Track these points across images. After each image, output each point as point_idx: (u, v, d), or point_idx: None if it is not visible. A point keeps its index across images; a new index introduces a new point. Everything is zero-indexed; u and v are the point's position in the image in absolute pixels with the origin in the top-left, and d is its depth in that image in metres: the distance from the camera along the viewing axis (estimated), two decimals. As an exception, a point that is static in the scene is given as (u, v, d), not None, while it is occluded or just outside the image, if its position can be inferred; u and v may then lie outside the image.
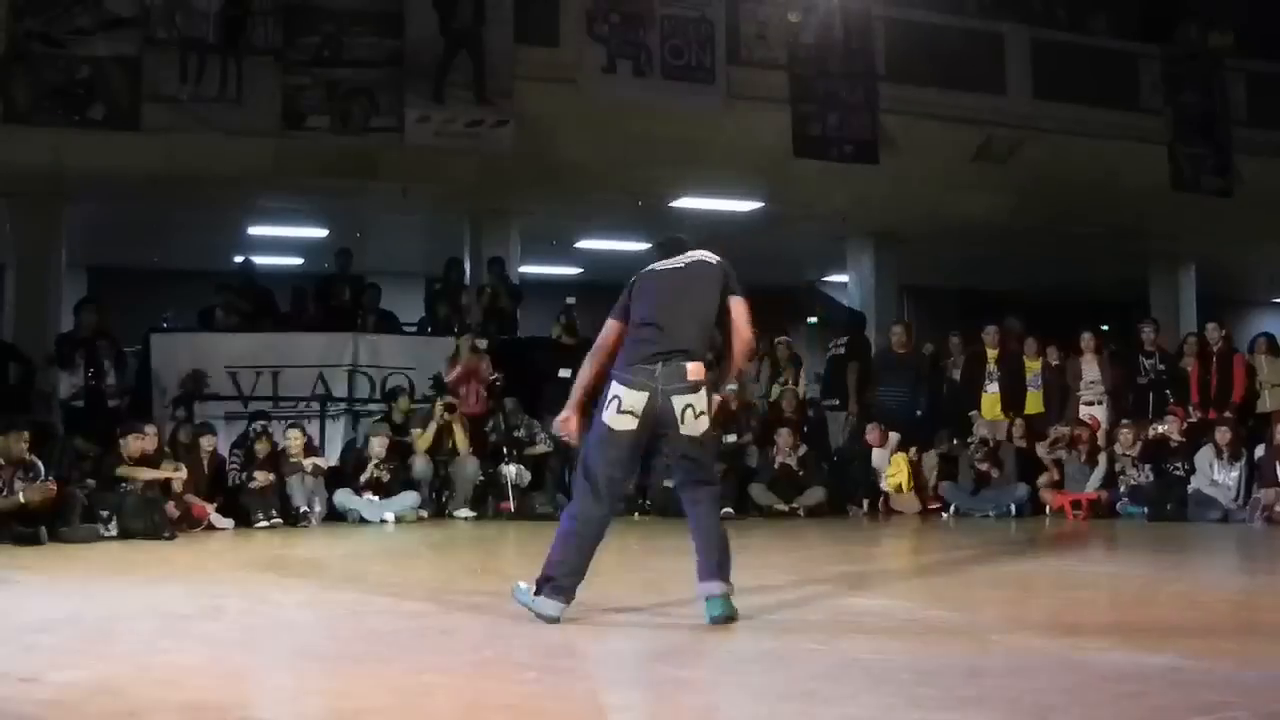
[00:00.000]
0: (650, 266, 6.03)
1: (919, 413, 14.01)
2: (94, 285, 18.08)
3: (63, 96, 11.89)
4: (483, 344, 13.33)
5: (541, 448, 12.81)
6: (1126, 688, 4.34)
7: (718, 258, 6.02)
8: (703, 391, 5.71)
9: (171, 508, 10.51)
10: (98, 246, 17.79)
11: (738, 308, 5.94)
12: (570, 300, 13.69)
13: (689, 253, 6.02)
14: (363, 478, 11.95)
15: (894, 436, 13.35)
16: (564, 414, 6.01)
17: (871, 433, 13.40)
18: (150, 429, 11.07)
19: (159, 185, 14.35)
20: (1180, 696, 4.22)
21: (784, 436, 13.01)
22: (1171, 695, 4.24)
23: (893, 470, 13.19)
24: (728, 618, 5.61)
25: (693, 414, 5.66)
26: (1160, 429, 12.78)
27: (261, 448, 11.63)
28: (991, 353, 13.84)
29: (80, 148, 12.75)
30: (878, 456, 13.29)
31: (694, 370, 5.67)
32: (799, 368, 14.95)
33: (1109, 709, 4.12)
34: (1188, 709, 4.07)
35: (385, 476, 11.99)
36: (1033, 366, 13.80)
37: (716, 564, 5.69)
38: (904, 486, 13.11)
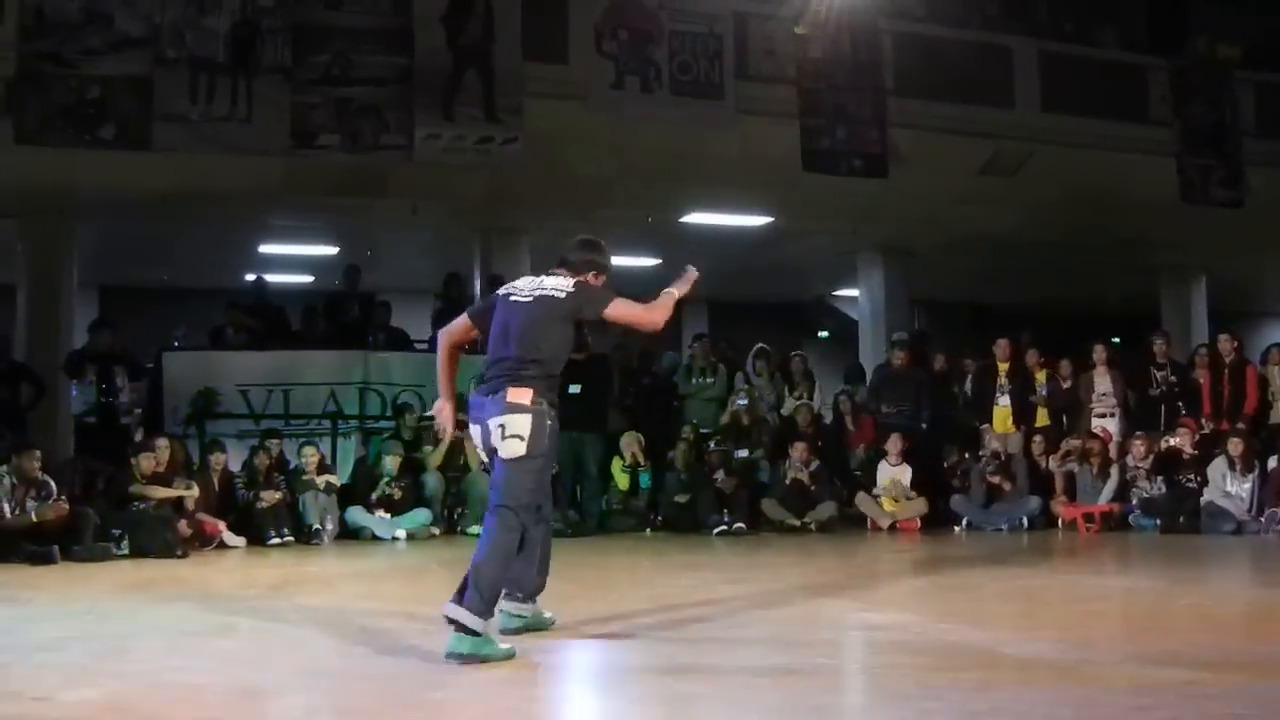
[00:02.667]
0: (508, 290, 5.83)
1: (923, 426, 13.95)
2: (105, 304, 18.16)
3: (73, 116, 11.91)
4: None
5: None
6: (1139, 701, 4.33)
7: (571, 285, 5.77)
8: (524, 417, 5.44)
9: (184, 526, 10.52)
10: (109, 266, 17.87)
11: (617, 312, 5.70)
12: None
13: (544, 280, 5.81)
14: (374, 495, 11.96)
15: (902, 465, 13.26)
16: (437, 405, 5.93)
17: (892, 444, 13.29)
18: (162, 445, 11.10)
19: (169, 204, 14.41)
20: (1192, 710, 4.22)
21: (798, 451, 12.98)
22: (1183, 709, 4.23)
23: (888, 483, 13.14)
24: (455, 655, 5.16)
25: (502, 435, 5.46)
26: (1172, 441, 12.74)
27: (261, 460, 11.65)
28: (1003, 366, 13.80)
29: (91, 168, 12.81)
30: (884, 470, 13.22)
31: (514, 394, 5.47)
32: (813, 382, 14.95)
33: (1121, 722, 4.11)
34: (1200, 722, 4.07)
35: (397, 494, 11.99)
36: (1039, 379, 13.79)
37: (461, 589, 5.29)
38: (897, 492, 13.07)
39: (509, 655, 5.20)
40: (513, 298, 5.75)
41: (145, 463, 10.67)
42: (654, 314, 5.74)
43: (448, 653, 5.13)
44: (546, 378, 5.59)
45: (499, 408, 5.47)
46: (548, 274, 5.89)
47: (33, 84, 11.80)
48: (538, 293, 5.72)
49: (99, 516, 10.09)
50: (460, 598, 5.21)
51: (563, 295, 5.70)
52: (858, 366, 16.39)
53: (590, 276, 5.93)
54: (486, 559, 5.31)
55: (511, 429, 5.43)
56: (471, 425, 5.66)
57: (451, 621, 5.17)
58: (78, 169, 12.88)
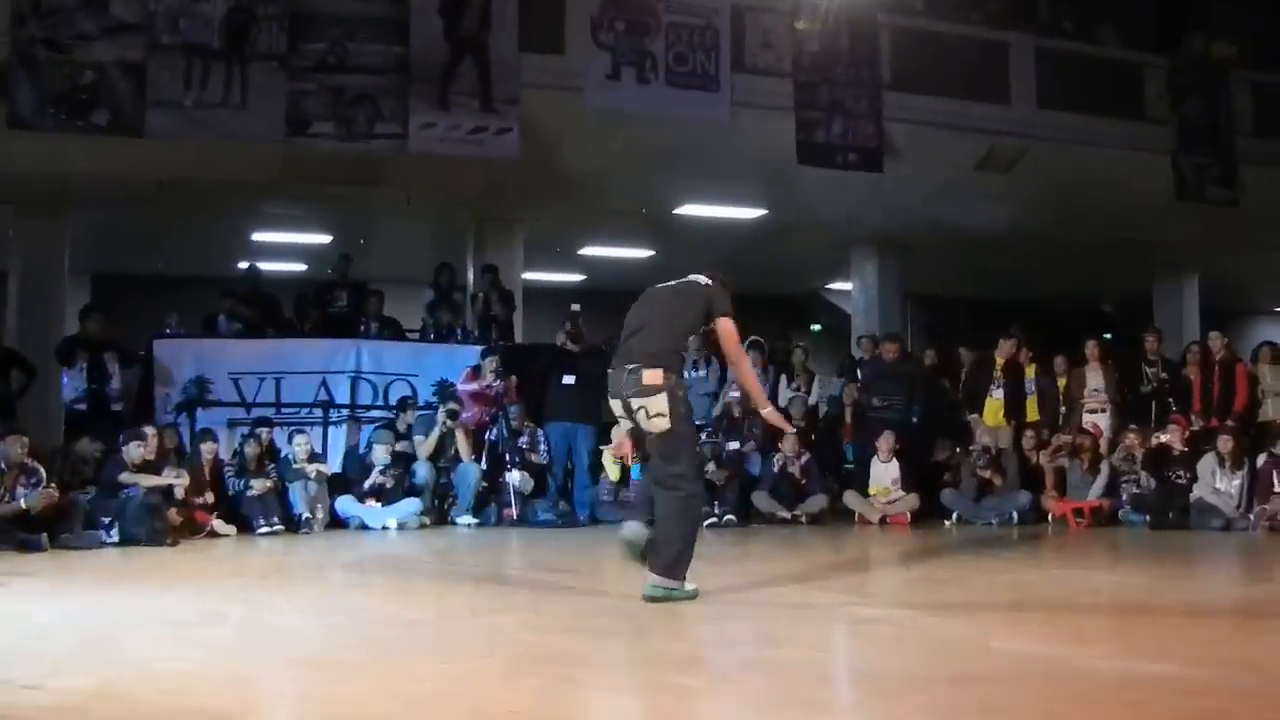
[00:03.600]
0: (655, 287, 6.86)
1: (914, 420, 13.94)
2: (97, 292, 18.10)
3: (66, 102, 11.87)
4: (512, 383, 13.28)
5: (538, 458, 12.82)
6: (1127, 695, 4.34)
7: (709, 280, 6.75)
8: (660, 396, 6.33)
9: (173, 514, 10.51)
10: (101, 253, 17.82)
11: (727, 325, 6.64)
12: (575, 308, 13.68)
13: (689, 276, 6.82)
14: (367, 484, 11.95)
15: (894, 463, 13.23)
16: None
17: (883, 441, 13.27)
18: (150, 431, 11.07)
19: (163, 191, 14.38)
20: (1181, 704, 4.22)
21: (789, 443, 12.98)
22: (1172, 703, 4.24)
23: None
24: (651, 599, 6.33)
25: (646, 415, 6.38)
26: (1162, 437, 12.77)
27: (252, 449, 11.64)
28: (999, 360, 13.81)
29: (84, 154, 12.76)
30: (876, 469, 13.21)
31: (649, 376, 6.36)
32: (813, 376, 14.96)
33: (1110, 717, 4.12)
34: (1189, 717, 4.07)
35: (389, 483, 11.98)
36: (1029, 373, 13.81)
37: (660, 565, 6.37)
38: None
39: (693, 595, 6.42)
40: (658, 286, 6.80)
41: (135, 451, 10.64)
42: (743, 358, 6.95)
43: (644, 595, 6.35)
44: (675, 353, 6.56)
45: (635, 388, 6.36)
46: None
47: (26, 68, 11.76)
48: (683, 281, 6.75)
49: (88, 504, 10.07)
50: (659, 565, 6.37)
51: (704, 283, 6.72)
52: (851, 360, 16.41)
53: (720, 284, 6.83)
54: (662, 524, 6.40)
55: (654, 409, 6.33)
56: (611, 399, 6.61)
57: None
58: (71, 155, 12.83)
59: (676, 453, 6.42)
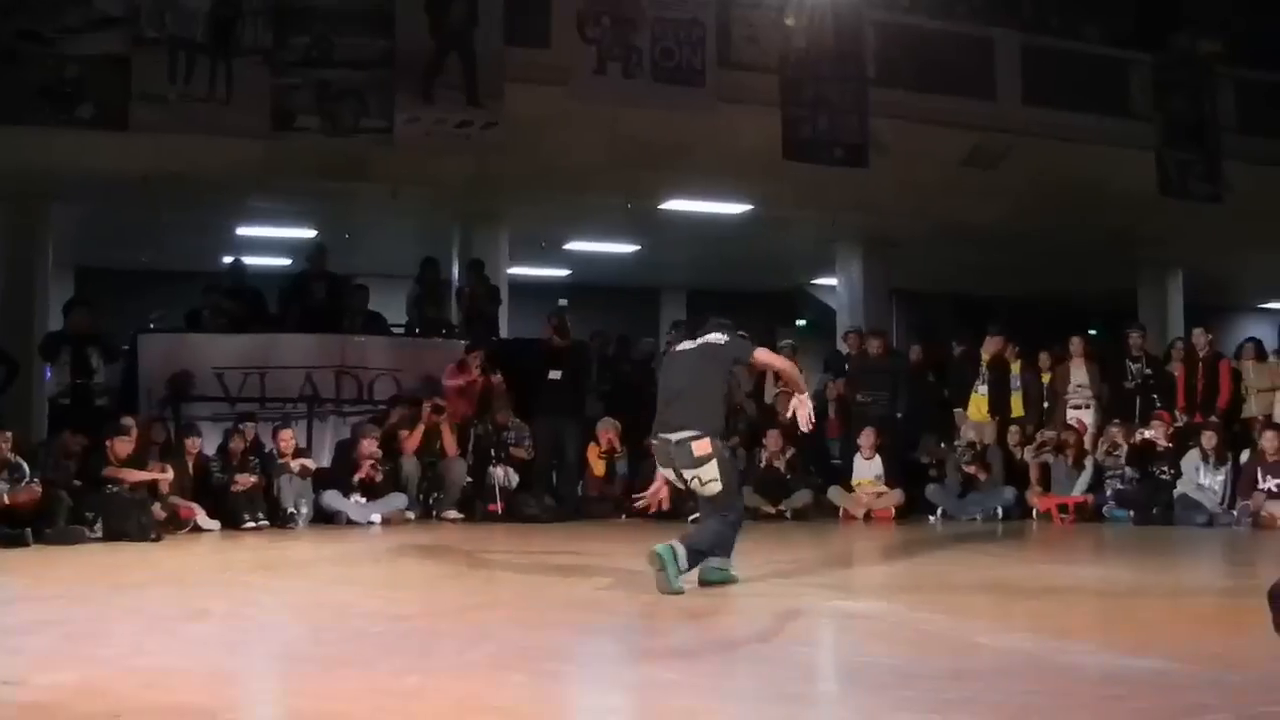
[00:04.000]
0: (672, 347, 7.54)
1: (899, 415, 13.96)
2: (81, 286, 18.02)
3: (50, 96, 11.83)
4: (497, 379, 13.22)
5: (524, 453, 12.81)
6: (1111, 690, 4.35)
7: (726, 337, 7.22)
8: (710, 464, 6.83)
9: (158, 509, 10.47)
10: (85, 247, 17.74)
11: (762, 359, 7.35)
12: (563, 303, 13.68)
13: (705, 335, 7.26)
14: (356, 478, 11.92)
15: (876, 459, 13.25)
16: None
17: (865, 437, 13.27)
18: (132, 423, 11.02)
19: (147, 185, 14.29)
20: (1164, 699, 4.23)
21: (772, 438, 12.99)
22: (1155, 698, 4.25)
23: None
24: (658, 555, 6.55)
25: (700, 483, 6.90)
26: (1147, 433, 12.81)
27: (236, 444, 11.61)
28: (985, 356, 13.83)
29: (68, 147, 12.69)
30: (860, 464, 13.22)
31: (699, 449, 6.83)
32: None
33: (1093, 712, 4.13)
34: (1171, 712, 4.08)
35: (378, 477, 11.96)
36: (1014, 369, 13.84)
37: (690, 540, 6.77)
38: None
39: (679, 591, 6.54)
40: (682, 351, 7.37)
41: (120, 446, 10.59)
42: (791, 366, 7.65)
43: (652, 549, 6.62)
44: (717, 416, 7.07)
45: (688, 460, 6.87)
46: (704, 331, 7.34)
47: (9, 62, 11.70)
48: (702, 343, 7.23)
49: (72, 499, 10.02)
50: (686, 542, 6.74)
51: (722, 341, 7.21)
52: (837, 355, 16.43)
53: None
54: (710, 519, 6.99)
55: (707, 476, 6.87)
56: (661, 469, 7.19)
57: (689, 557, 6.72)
58: (54, 149, 12.76)
59: (727, 498, 7.02)
